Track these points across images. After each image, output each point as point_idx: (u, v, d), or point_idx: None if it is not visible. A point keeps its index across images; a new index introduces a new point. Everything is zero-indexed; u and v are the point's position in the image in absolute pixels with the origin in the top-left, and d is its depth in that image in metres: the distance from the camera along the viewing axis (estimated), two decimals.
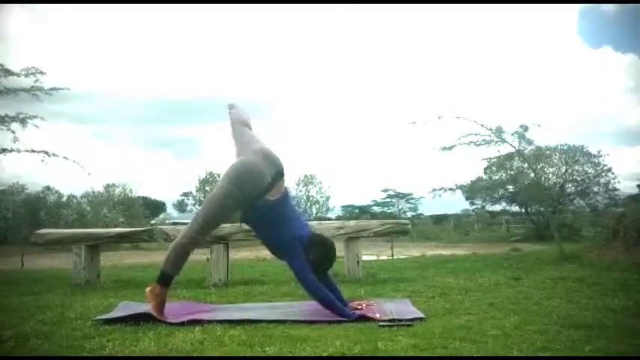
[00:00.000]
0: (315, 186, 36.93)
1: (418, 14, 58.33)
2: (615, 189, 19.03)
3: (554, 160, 19.13)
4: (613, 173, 18.98)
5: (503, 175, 17.90)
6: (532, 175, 12.76)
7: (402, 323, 3.01)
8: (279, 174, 3.49)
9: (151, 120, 53.68)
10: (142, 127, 54.15)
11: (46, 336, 2.76)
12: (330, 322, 3.10)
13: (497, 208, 23.80)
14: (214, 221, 3.53)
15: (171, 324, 3.07)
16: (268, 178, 3.40)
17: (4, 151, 6.91)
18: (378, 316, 3.24)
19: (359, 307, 3.51)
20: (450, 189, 10.57)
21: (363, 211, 38.03)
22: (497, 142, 8.21)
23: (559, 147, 18.99)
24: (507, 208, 23.38)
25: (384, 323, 3.04)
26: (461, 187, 11.92)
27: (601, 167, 19.09)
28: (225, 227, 5.58)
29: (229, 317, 3.22)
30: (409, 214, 38.86)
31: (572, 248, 8.24)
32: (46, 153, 6.91)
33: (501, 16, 58.43)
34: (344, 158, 54.41)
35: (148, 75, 52.63)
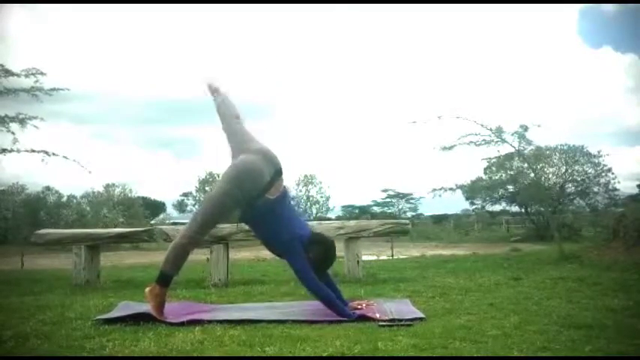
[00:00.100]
0: (315, 186, 36.94)
1: (418, 14, 58.33)
2: (615, 189, 19.05)
3: (554, 160, 19.14)
4: (613, 173, 19.00)
5: (503, 175, 17.92)
6: (532, 175, 12.78)
7: (402, 323, 3.01)
8: (278, 173, 3.49)
9: (151, 120, 53.69)
10: (142, 127, 54.15)
11: (46, 336, 2.76)
12: (330, 322, 3.10)
13: (497, 208, 23.80)
14: (213, 221, 3.53)
15: (171, 324, 3.07)
16: (267, 177, 3.40)
17: (4, 151, 6.92)
18: (378, 316, 3.24)
19: (359, 307, 3.51)
20: (451, 189, 10.58)
21: (363, 211, 38.02)
22: (497, 142, 8.21)
23: (559, 147, 19.01)
24: (507, 208, 23.39)
25: (384, 323, 3.04)
26: (461, 187, 11.94)
27: (601, 167, 19.10)
28: (225, 227, 5.58)
29: (229, 317, 3.22)
30: (409, 214, 38.86)
31: (572, 248, 8.24)
32: (46, 153, 6.92)
33: (501, 16, 58.43)
34: (344, 158, 54.41)
35: (148, 75, 52.63)
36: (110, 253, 12.05)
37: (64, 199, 24.75)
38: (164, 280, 3.36)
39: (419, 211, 40.50)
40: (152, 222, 26.29)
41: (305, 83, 56.37)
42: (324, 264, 3.51)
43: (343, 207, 40.42)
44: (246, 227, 5.09)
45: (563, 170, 19.20)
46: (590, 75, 54.89)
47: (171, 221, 26.79)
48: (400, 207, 41.06)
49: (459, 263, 8.01)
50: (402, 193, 40.45)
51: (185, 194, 39.71)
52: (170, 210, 39.69)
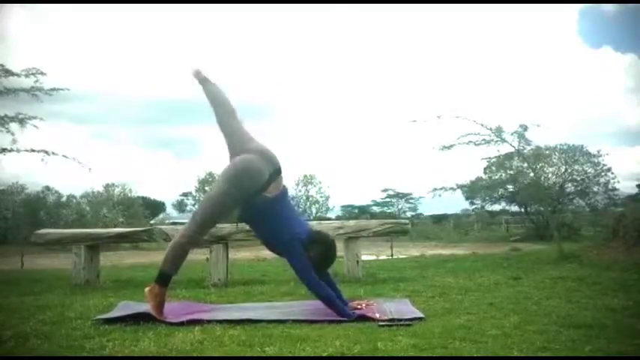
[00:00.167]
0: (314, 186, 36.95)
1: (418, 14, 58.31)
2: (615, 189, 19.06)
3: (554, 160, 19.13)
4: (613, 173, 19.00)
5: (503, 174, 17.89)
6: (532, 174, 12.76)
7: (402, 323, 3.01)
8: (277, 172, 3.49)
9: (151, 120, 53.68)
10: (141, 127, 54.15)
11: (46, 336, 2.76)
12: (330, 322, 3.10)
13: (497, 207, 23.81)
14: (212, 220, 3.52)
15: (171, 324, 3.07)
16: (266, 176, 3.40)
17: (3, 150, 6.91)
18: (377, 315, 3.24)
19: (359, 306, 3.51)
20: (451, 188, 10.58)
21: (363, 211, 38.04)
22: (496, 141, 8.22)
23: (559, 147, 19.01)
24: (507, 207, 23.39)
25: (383, 323, 3.04)
26: (461, 187, 11.94)
27: (600, 167, 19.10)
28: (225, 227, 5.58)
29: (229, 317, 3.22)
30: (409, 214, 38.87)
31: (572, 248, 8.24)
32: (46, 152, 6.92)
33: (501, 16, 58.43)
34: (344, 158, 54.41)
35: (148, 75, 52.62)
36: (110, 253, 12.05)
37: (64, 199, 24.74)
38: (163, 279, 3.36)
39: (418, 211, 40.54)
40: (152, 222, 26.28)
41: (305, 83, 56.40)
42: (324, 263, 3.51)
43: (343, 207, 40.46)
44: (246, 227, 5.09)
45: (563, 170, 19.20)
46: (590, 75, 54.93)
47: (171, 221, 26.80)
48: (400, 207, 41.09)
49: (458, 263, 8.02)
50: (402, 193, 40.49)
51: (185, 194, 39.74)
52: (170, 210, 39.73)
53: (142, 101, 51.63)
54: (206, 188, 29.16)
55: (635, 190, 22.28)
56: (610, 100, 47.72)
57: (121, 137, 51.95)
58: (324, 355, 2.35)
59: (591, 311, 3.36)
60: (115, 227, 13.61)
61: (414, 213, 40.08)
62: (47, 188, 24.48)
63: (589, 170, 19.28)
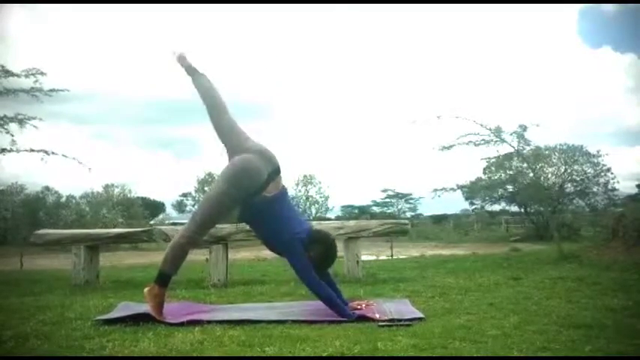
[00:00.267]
0: (314, 186, 36.92)
1: (418, 14, 58.34)
2: (614, 189, 19.06)
3: (554, 160, 19.14)
4: (612, 173, 19.01)
5: (503, 175, 17.89)
6: (531, 174, 12.76)
7: (402, 323, 3.01)
8: (276, 171, 3.48)
9: (151, 120, 53.70)
10: (141, 127, 54.17)
11: (45, 336, 2.76)
12: (329, 322, 3.10)
13: (497, 208, 23.81)
14: (212, 220, 3.52)
15: (171, 324, 3.07)
16: (265, 176, 3.40)
17: (3, 151, 6.91)
18: (377, 316, 3.24)
19: (359, 307, 3.51)
20: (451, 189, 10.58)
21: (363, 212, 38.03)
22: (496, 141, 8.22)
23: (558, 147, 19.02)
24: (507, 208, 23.39)
25: (383, 323, 3.04)
26: (461, 188, 11.94)
27: (600, 167, 19.11)
28: (225, 227, 5.59)
29: (229, 317, 3.21)
30: (408, 215, 38.89)
31: (572, 248, 8.24)
32: (46, 152, 6.91)
33: (501, 16, 58.47)
34: (344, 158, 54.41)
35: (148, 75, 52.61)
36: (109, 254, 12.04)
37: (64, 199, 24.73)
38: (163, 279, 3.36)
39: (418, 211, 40.56)
40: (151, 222, 26.27)
41: (304, 83, 56.41)
42: (325, 263, 3.50)
43: (342, 207, 40.47)
44: (246, 227, 5.10)
45: (563, 170, 19.21)
46: (590, 75, 55.01)
47: (171, 221, 26.80)
48: (399, 207, 41.09)
49: (458, 263, 8.02)
50: (402, 194, 40.49)
51: (184, 194, 39.75)
52: (169, 210, 39.75)
53: (142, 101, 51.70)
54: (206, 189, 29.15)
55: (635, 190, 22.32)
56: (610, 100, 47.83)
57: (121, 137, 52.00)
58: (324, 355, 2.35)
59: (591, 311, 3.36)
60: (114, 228, 13.62)
61: (413, 213, 40.11)
62: (47, 188, 24.50)
63: (589, 170, 19.29)
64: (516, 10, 59.92)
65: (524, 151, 9.40)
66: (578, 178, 19.26)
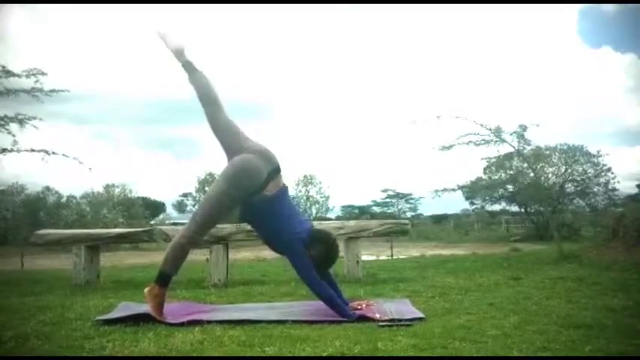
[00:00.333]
0: (314, 186, 36.91)
1: (418, 14, 58.34)
2: (615, 189, 19.05)
3: (554, 160, 19.13)
4: (613, 173, 19.00)
5: (503, 174, 17.90)
6: (532, 174, 12.77)
7: (402, 323, 3.01)
8: (276, 170, 3.48)
9: (151, 120, 53.72)
10: (141, 128, 54.18)
11: (46, 336, 2.76)
12: (330, 322, 3.10)
13: (497, 207, 23.81)
14: (212, 220, 3.52)
15: (171, 324, 3.07)
16: (264, 175, 3.40)
17: (3, 151, 6.92)
18: (377, 316, 3.24)
19: (359, 307, 3.51)
20: (452, 189, 10.59)
21: (363, 212, 38.03)
22: (496, 141, 8.22)
23: (559, 147, 19.01)
24: (507, 207, 23.39)
25: (383, 323, 3.04)
26: (462, 188, 11.96)
27: (600, 167, 19.10)
28: (225, 227, 5.59)
29: (229, 317, 3.22)
30: (409, 215, 38.89)
31: (572, 248, 8.24)
32: (46, 152, 6.92)
33: (501, 16, 58.46)
34: (344, 158, 54.41)
35: (148, 75, 52.64)
36: (110, 254, 12.05)
37: (64, 199, 24.74)
38: (163, 279, 3.36)
39: (418, 211, 40.56)
40: (152, 222, 26.29)
41: (304, 83, 56.41)
42: (326, 262, 3.50)
43: (343, 207, 40.47)
44: (247, 227, 5.11)
45: (563, 170, 19.20)
46: (590, 75, 54.99)
47: (171, 221, 26.82)
48: (400, 207, 41.09)
49: (458, 263, 8.02)
50: (402, 194, 40.49)
51: (185, 194, 39.76)
52: (170, 210, 39.76)
53: (142, 101, 51.71)
54: (206, 189, 29.15)
55: (635, 190, 22.32)
56: (610, 100, 47.81)
57: (121, 137, 52.00)
58: (324, 355, 2.35)
59: (591, 311, 3.36)
60: (115, 228, 13.62)
61: (414, 213, 40.10)
62: (47, 189, 24.50)
63: (589, 170, 19.28)
64: (516, 10, 59.97)
65: (525, 151, 9.40)
66: (578, 178, 19.25)
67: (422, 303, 3.82)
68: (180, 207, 41.00)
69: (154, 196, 37.18)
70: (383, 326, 2.98)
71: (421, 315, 3.26)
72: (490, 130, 8.10)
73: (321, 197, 37.19)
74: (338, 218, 32.19)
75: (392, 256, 12.18)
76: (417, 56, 58.10)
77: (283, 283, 5.27)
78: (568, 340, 2.57)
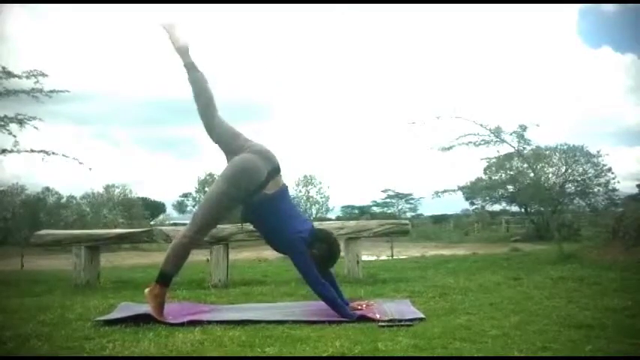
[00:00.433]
0: (314, 186, 36.97)
1: (418, 14, 58.35)
2: (615, 189, 19.06)
3: (554, 160, 19.16)
4: (613, 173, 19.01)
5: (503, 175, 17.91)
6: (532, 175, 12.77)
7: (402, 323, 3.01)
8: (276, 170, 3.48)
9: (151, 120, 53.79)
10: (142, 128, 54.29)
11: (46, 337, 2.76)
12: (330, 323, 3.10)
13: (497, 208, 23.85)
14: (212, 220, 3.52)
15: (171, 325, 3.07)
16: (264, 175, 3.40)
17: (4, 151, 6.92)
18: (378, 316, 3.24)
19: (359, 307, 3.51)
20: (452, 190, 10.60)
21: (363, 212, 38.05)
22: (496, 142, 8.22)
23: (559, 147, 19.05)
24: (507, 208, 23.43)
25: (384, 323, 3.04)
26: (462, 189, 11.98)
27: (601, 167, 19.11)
28: (226, 228, 5.59)
29: (229, 318, 3.21)
30: (409, 215, 38.91)
31: (572, 248, 8.24)
32: (46, 152, 6.92)
33: (501, 16, 58.47)
34: (344, 158, 54.47)
35: (148, 75, 52.67)
36: (110, 254, 12.05)
37: (64, 199, 24.77)
38: (164, 279, 3.36)
39: (419, 212, 40.60)
40: (152, 223, 26.31)
41: (304, 83, 56.43)
42: (328, 262, 3.50)
43: (343, 207, 40.55)
44: (248, 228, 5.10)
45: (563, 170, 19.22)
46: (590, 75, 54.99)
47: (171, 222, 26.85)
48: (400, 207, 41.14)
49: (458, 263, 8.02)
50: (402, 194, 40.54)
51: (185, 195, 39.80)
52: (170, 211, 39.80)
53: (142, 101, 51.82)
54: (206, 189, 29.17)
55: (635, 190, 22.24)
56: (610, 100, 47.85)
57: (121, 137, 52.09)
58: (325, 355, 2.35)
59: (592, 311, 3.35)
60: (115, 228, 13.62)
61: (414, 213, 40.17)
62: (47, 189, 24.54)
63: (589, 170, 19.30)
64: (516, 10, 59.97)
65: (525, 152, 9.41)
66: (578, 178, 19.27)
67: (422, 303, 3.82)
68: (180, 207, 41.04)
69: (154, 196, 37.24)
70: (383, 326, 2.98)
71: (421, 315, 3.25)
72: (490, 130, 8.10)
73: (321, 197, 37.27)
74: (338, 218, 32.23)
75: (392, 256, 12.20)
76: (416, 56, 58.15)
77: (284, 284, 5.27)
78: (568, 340, 2.57)
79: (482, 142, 8.12)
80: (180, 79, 3.58)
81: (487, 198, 21.65)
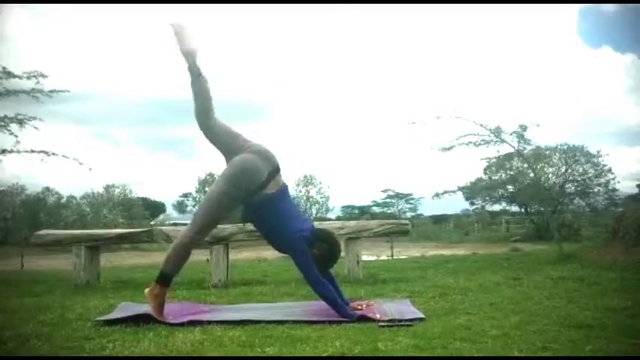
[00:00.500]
0: (314, 186, 36.99)
1: (418, 14, 58.36)
2: (615, 189, 19.06)
3: (554, 160, 19.17)
4: (613, 173, 19.01)
5: (503, 175, 17.91)
6: (532, 175, 12.77)
7: (402, 323, 3.01)
8: (276, 170, 3.49)
9: (151, 120, 53.83)
10: (142, 128, 54.34)
11: (46, 337, 2.76)
12: (330, 323, 3.10)
13: (497, 208, 23.86)
14: (213, 220, 3.52)
15: (171, 325, 3.07)
16: (265, 175, 3.40)
17: (4, 152, 6.92)
18: (378, 316, 3.24)
19: (359, 307, 3.51)
20: (452, 191, 10.60)
21: (363, 212, 38.07)
22: (496, 142, 8.21)
23: (559, 147, 19.07)
24: (507, 208, 23.43)
25: (384, 323, 3.04)
26: (462, 189, 11.99)
27: (601, 167, 19.11)
28: (226, 228, 5.59)
29: (229, 318, 3.21)
30: (409, 215, 38.93)
31: (572, 248, 8.24)
32: (46, 153, 6.92)
33: (501, 16, 58.47)
34: (344, 158, 54.48)
35: (148, 75, 52.67)
36: (110, 254, 12.06)
37: (64, 199, 24.78)
38: (164, 279, 3.36)
39: (419, 212, 40.62)
40: (152, 223, 26.32)
41: (304, 83, 56.44)
42: (328, 262, 3.50)
43: (343, 207, 40.57)
44: (248, 228, 5.11)
45: (563, 170, 19.23)
46: (590, 75, 55.01)
47: (171, 222, 26.85)
48: (400, 207, 41.16)
49: (458, 263, 8.02)
50: (402, 194, 40.57)
51: (185, 195, 39.83)
52: (170, 211, 39.82)
53: (142, 101, 51.86)
54: (206, 189, 29.18)
55: (635, 190, 22.26)
56: (610, 100, 47.88)
57: (121, 137, 52.11)
58: (325, 355, 2.35)
59: (592, 311, 3.35)
60: (115, 228, 13.62)
61: (414, 213, 40.20)
62: (47, 189, 24.55)
63: (589, 170, 19.30)
64: (516, 10, 59.98)
65: (525, 152, 9.40)
66: (578, 178, 19.27)
67: (422, 303, 3.82)
68: (180, 207, 41.06)
69: (154, 196, 37.25)
70: (383, 326, 2.98)
71: (421, 315, 3.25)
72: (490, 130, 8.09)
73: (321, 197, 37.29)
74: (338, 218, 32.24)
75: (392, 256, 12.20)
76: (417, 56, 58.15)
77: (284, 284, 5.27)
78: (568, 340, 2.57)
79: (483, 142, 8.12)
80: (181, 79, 3.57)
81: (487, 198, 21.66)
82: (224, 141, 3.55)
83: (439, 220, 34.41)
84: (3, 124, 6.75)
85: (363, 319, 3.21)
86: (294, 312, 3.45)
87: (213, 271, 5.62)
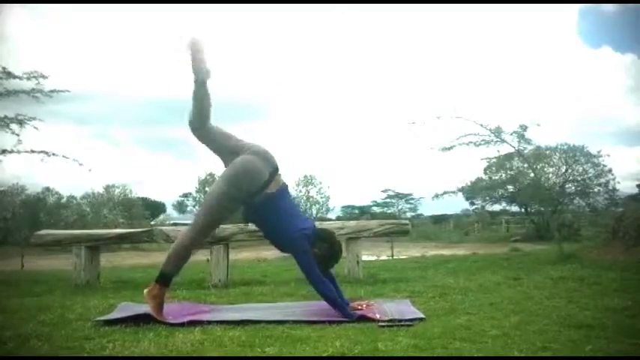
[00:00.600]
0: (314, 186, 36.93)
1: (418, 14, 58.37)
2: (615, 189, 19.06)
3: (554, 160, 19.17)
4: (613, 174, 19.01)
5: (503, 175, 17.92)
6: (532, 175, 12.78)
7: (402, 323, 3.01)
8: (275, 170, 3.49)
9: (151, 120, 53.85)
10: (142, 128, 54.34)
11: (46, 337, 2.76)
12: (330, 323, 3.10)
13: (497, 208, 23.85)
14: (213, 221, 3.52)
15: (171, 325, 3.07)
16: (266, 176, 3.41)
17: (4, 152, 6.92)
18: (378, 316, 3.24)
19: (359, 307, 3.51)
20: (452, 192, 10.61)
21: (363, 212, 38.07)
22: (496, 142, 8.21)
23: (559, 147, 19.07)
24: (507, 208, 23.43)
25: (384, 323, 3.04)
26: (462, 190, 11.99)
27: (601, 167, 19.11)
28: (227, 228, 5.59)
29: (229, 318, 3.21)
30: (409, 215, 38.94)
31: (572, 248, 8.24)
32: (46, 153, 6.92)
33: (501, 16, 58.48)
34: (344, 158, 54.48)
35: (148, 75, 52.68)
36: (110, 254, 12.05)
37: (64, 200, 24.78)
38: (164, 280, 3.36)
39: (419, 212, 40.63)
40: (152, 223, 26.32)
41: (304, 83, 56.45)
42: (329, 261, 3.51)
43: (343, 207, 40.57)
44: (248, 228, 5.11)
45: (563, 170, 19.23)
46: (590, 75, 55.02)
47: (171, 222, 26.86)
48: (400, 207, 41.16)
49: (459, 263, 8.02)
50: (402, 194, 40.58)
51: (185, 195, 39.79)
52: (170, 211, 39.81)
53: (142, 101, 51.87)
54: (206, 189, 29.18)
55: (635, 190, 22.26)
56: (610, 100, 47.89)
57: (121, 137, 52.12)
58: (325, 355, 2.35)
59: (592, 311, 3.35)
60: (115, 228, 13.62)
61: (414, 213, 40.21)
62: (47, 189, 24.55)
63: (589, 170, 19.30)
64: (516, 10, 59.99)
65: (525, 151, 9.40)
66: (579, 178, 19.27)
67: (422, 303, 3.82)
68: (180, 207, 41.04)
69: (154, 196, 37.26)
70: (383, 326, 2.98)
71: (421, 315, 3.25)
72: (490, 130, 8.09)
73: (322, 197, 37.22)
74: (338, 218, 32.25)
75: (392, 256, 12.21)
76: (417, 56, 58.15)
77: (284, 284, 5.27)
78: (568, 340, 2.57)
79: (483, 142, 8.12)
80: (180, 79, 3.56)
81: (487, 198, 21.66)
82: (219, 141, 3.56)
83: (439, 220, 34.42)
84: (3, 124, 6.75)
85: (363, 319, 3.21)
86: (294, 312, 3.45)
87: (213, 271, 5.62)
